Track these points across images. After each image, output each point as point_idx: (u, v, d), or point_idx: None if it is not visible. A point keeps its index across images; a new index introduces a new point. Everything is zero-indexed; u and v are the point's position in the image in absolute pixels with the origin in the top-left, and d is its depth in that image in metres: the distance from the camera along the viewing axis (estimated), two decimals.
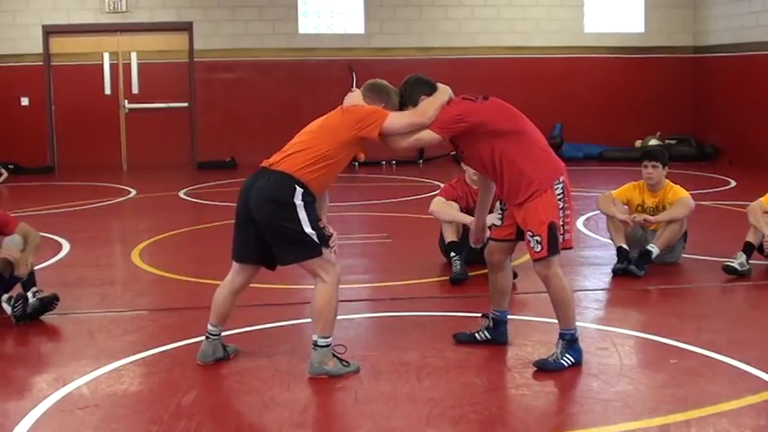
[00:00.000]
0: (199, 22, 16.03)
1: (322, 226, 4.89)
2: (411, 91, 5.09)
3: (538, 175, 4.94)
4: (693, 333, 5.68)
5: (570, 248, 5.15)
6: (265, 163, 4.95)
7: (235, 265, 5.11)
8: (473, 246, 5.86)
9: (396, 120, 4.95)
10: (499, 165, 4.98)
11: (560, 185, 4.98)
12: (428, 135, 4.98)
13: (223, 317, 5.13)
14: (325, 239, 4.88)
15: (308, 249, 4.83)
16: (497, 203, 5.26)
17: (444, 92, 5.06)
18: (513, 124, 5.02)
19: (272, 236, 4.85)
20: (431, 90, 5.08)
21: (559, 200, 4.97)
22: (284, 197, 4.77)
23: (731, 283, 7.05)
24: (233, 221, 5.07)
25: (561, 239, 4.98)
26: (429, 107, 4.98)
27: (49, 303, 6.10)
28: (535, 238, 4.94)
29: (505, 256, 5.32)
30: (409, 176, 14.25)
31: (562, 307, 5.04)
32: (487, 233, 5.52)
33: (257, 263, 5.08)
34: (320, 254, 4.85)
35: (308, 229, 4.79)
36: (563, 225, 4.98)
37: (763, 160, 14.41)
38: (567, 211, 5.01)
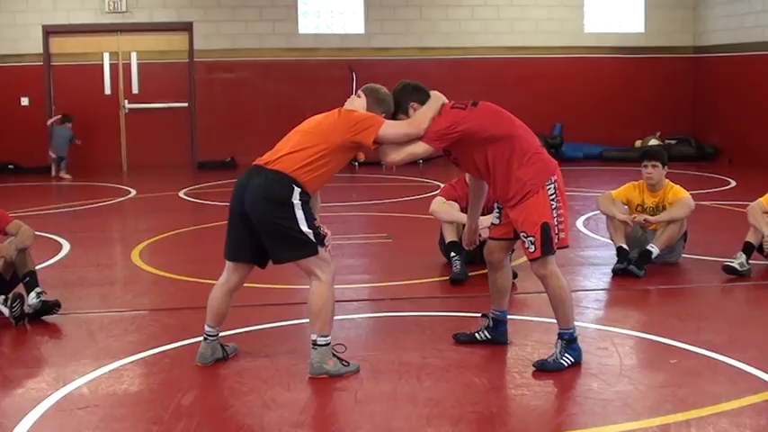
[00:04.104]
0: (199, 22, 16.04)
1: (318, 225, 4.90)
2: (401, 98, 5.09)
3: (529, 177, 4.94)
4: (693, 333, 5.68)
5: (566, 247, 5.15)
6: (259, 161, 4.95)
7: (229, 264, 5.10)
8: (466, 248, 5.86)
9: (391, 129, 4.94)
10: (492, 168, 4.99)
11: (552, 185, 4.98)
12: (421, 147, 4.97)
13: (220, 317, 5.13)
14: (320, 238, 4.89)
15: (304, 248, 4.83)
16: (495, 203, 5.26)
17: (437, 100, 5.05)
18: (505, 128, 5.02)
19: (268, 234, 4.85)
20: (421, 97, 5.07)
21: (552, 200, 4.97)
22: (282, 196, 4.78)
23: (731, 283, 7.05)
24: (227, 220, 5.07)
25: (557, 239, 4.98)
26: (425, 118, 4.97)
27: (49, 308, 6.11)
28: (529, 238, 4.95)
29: (504, 254, 5.33)
30: (409, 176, 14.25)
31: (560, 306, 5.04)
32: (486, 233, 5.53)
33: (251, 261, 5.08)
34: (316, 252, 4.86)
35: (304, 228, 4.79)
36: (557, 224, 4.98)
37: (763, 160, 14.41)
38: (561, 210, 5.01)
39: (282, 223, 4.79)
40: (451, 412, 4.40)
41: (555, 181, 5.00)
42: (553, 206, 4.97)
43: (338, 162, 4.98)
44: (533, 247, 4.95)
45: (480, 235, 5.65)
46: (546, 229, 4.93)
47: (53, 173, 15.11)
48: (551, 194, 4.97)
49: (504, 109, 5.14)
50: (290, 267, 5.03)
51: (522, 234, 5.00)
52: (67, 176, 14.87)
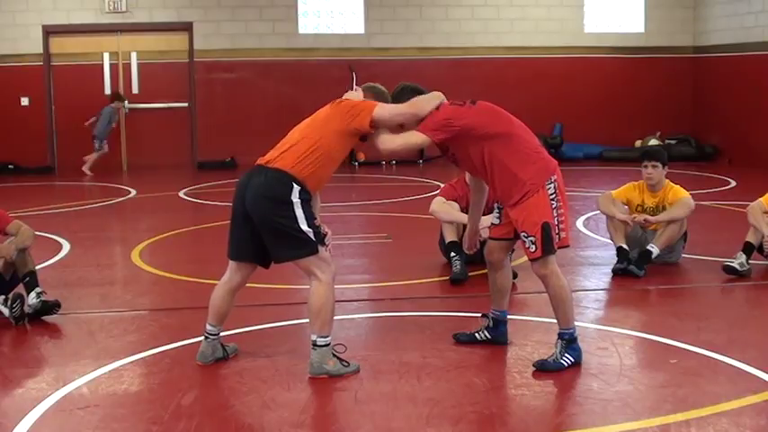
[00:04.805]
0: (199, 22, 16.03)
1: (318, 224, 4.90)
2: (400, 99, 5.11)
3: (529, 176, 4.94)
4: (693, 333, 5.68)
5: (567, 246, 5.15)
6: (261, 160, 4.96)
7: (231, 263, 5.11)
8: (467, 252, 5.86)
9: (386, 110, 4.96)
10: (490, 167, 5.00)
11: (552, 185, 4.98)
12: (417, 138, 4.99)
13: (221, 317, 5.13)
14: (321, 237, 4.89)
15: (304, 247, 4.83)
16: (495, 203, 5.26)
17: (438, 96, 5.07)
18: (503, 127, 5.02)
19: (268, 233, 4.86)
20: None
21: (552, 199, 4.97)
22: (282, 194, 4.78)
23: (731, 283, 7.05)
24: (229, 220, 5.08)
25: (557, 238, 4.99)
26: (425, 104, 5.01)
27: (49, 308, 6.11)
28: (530, 238, 4.95)
29: (504, 254, 5.33)
30: (409, 176, 14.25)
31: (561, 306, 5.04)
32: (486, 233, 5.53)
33: (253, 261, 5.08)
34: (316, 251, 4.85)
35: (304, 227, 4.79)
36: (558, 224, 4.98)
37: (763, 160, 14.41)
38: (561, 210, 5.01)
39: (282, 222, 4.79)
40: (451, 412, 4.40)
41: (555, 180, 5.00)
42: (553, 206, 4.97)
43: (336, 152, 4.95)
44: (534, 246, 4.95)
45: (481, 235, 5.65)
46: (546, 229, 4.93)
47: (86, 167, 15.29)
48: (551, 194, 4.97)
49: (505, 109, 5.15)
50: (291, 267, 5.03)
51: (522, 234, 5.00)
52: (89, 173, 15.09)
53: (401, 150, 5.13)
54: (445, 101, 5.08)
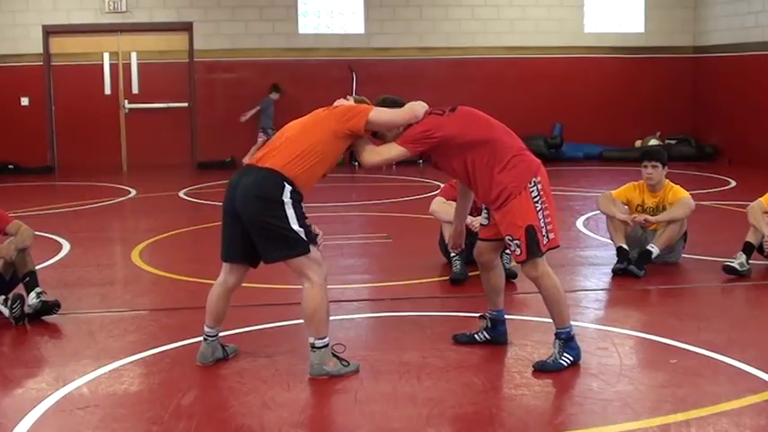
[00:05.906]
0: (199, 22, 16.03)
1: (309, 224, 4.89)
2: None
3: (509, 180, 4.93)
4: (693, 333, 5.68)
5: (557, 247, 5.12)
6: (251, 160, 4.96)
7: (225, 264, 5.10)
8: (451, 251, 5.86)
9: (382, 113, 5.00)
10: (472, 173, 5.01)
11: (535, 187, 4.96)
12: (397, 151, 5.02)
13: (218, 317, 5.13)
14: (312, 237, 4.88)
15: (295, 247, 4.81)
16: (483, 205, 5.27)
17: (422, 105, 5.10)
18: (482, 133, 5.02)
19: (258, 233, 4.83)
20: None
21: (536, 201, 4.96)
22: (273, 194, 4.76)
23: (731, 283, 7.06)
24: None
25: (545, 240, 4.97)
26: (420, 108, 5.03)
27: (49, 309, 6.11)
28: (515, 242, 4.96)
29: (495, 255, 5.34)
30: (409, 176, 14.25)
31: (555, 306, 5.04)
32: (477, 228, 5.54)
33: (243, 261, 5.07)
34: (307, 251, 4.84)
35: (295, 227, 4.78)
36: (545, 226, 4.97)
37: (763, 160, 14.41)
38: (547, 211, 4.99)
39: (272, 221, 4.77)
40: (451, 412, 4.40)
41: (538, 182, 4.98)
42: (538, 208, 4.96)
43: (329, 155, 4.94)
44: (519, 250, 4.95)
45: (477, 234, 5.66)
46: (531, 232, 4.92)
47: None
48: (535, 196, 4.95)
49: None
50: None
51: (507, 237, 5.00)
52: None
53: (382, 164, 5.22)
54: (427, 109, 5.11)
